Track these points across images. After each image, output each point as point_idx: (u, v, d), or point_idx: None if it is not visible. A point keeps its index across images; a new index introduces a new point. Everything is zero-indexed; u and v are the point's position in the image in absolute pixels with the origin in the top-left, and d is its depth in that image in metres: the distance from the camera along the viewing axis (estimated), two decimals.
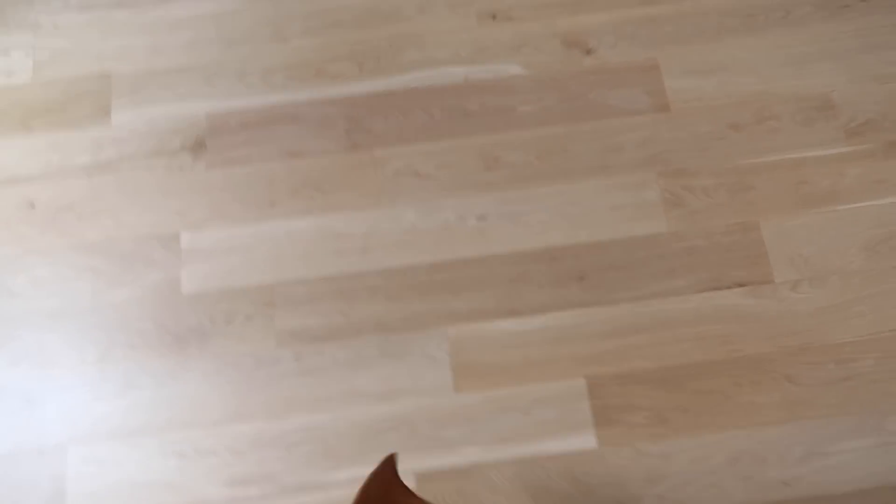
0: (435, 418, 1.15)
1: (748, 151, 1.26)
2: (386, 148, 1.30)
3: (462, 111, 1.32)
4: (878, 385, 1.14)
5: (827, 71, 1.32)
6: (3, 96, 1.35)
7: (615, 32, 1.36)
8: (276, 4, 1.40)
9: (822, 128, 1.28)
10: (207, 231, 1.26)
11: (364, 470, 1.13)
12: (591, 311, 1.19)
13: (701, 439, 1.12)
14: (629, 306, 1.19)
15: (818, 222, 1.22)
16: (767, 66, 1.33)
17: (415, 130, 1.31)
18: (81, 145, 1.32)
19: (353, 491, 1.12)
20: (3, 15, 1.40)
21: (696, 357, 1.16)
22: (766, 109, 1.29)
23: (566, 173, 1.27)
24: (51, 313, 1.22)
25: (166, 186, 1.29)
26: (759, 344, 1.16)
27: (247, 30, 1.39)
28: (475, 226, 1.24)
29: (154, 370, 1.18)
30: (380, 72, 1.35)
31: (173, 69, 1.37)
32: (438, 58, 1.35)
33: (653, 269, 1.20)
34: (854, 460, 1.11)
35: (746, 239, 1.21)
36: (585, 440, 1.13)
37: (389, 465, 0.55)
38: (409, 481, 1.12)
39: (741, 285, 1.19)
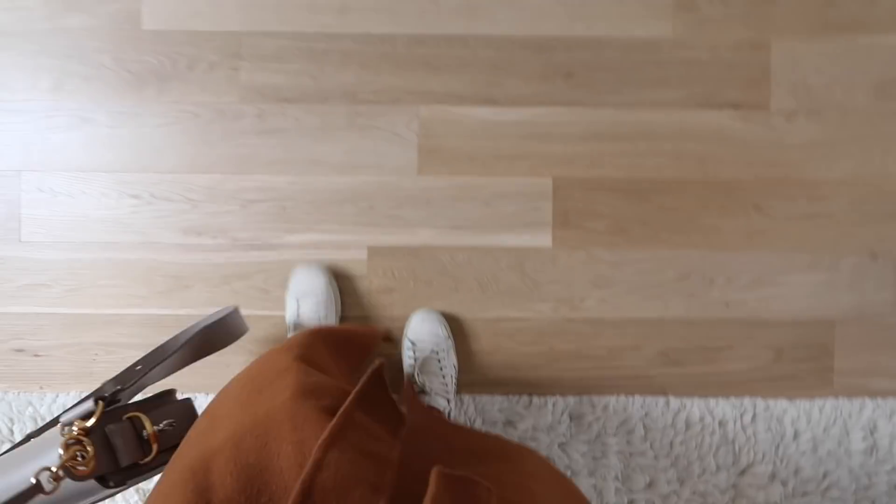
0: (394, 197, 1.13)
1: None
2: None
3: None
4: (844, 227, 1.12)
5: None
6: None
7: None
8: None
9: None
10: None
11: (317, 237, 1.13)
12: (572, 111, 1.12)
13: (655, 253, 1.12)
14: (612, 111, 1.12)
15: (833, 51, 1.12)
16: None
17: None
18: None
19: (304, 255, 1.13)
20: None
21: (668, 173, 1.12)
22: None
23: None
24: (3, 30, 1.13)
25: None
26: (737, 169, 1.12)
27: None
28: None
29: (110, 107, 1.13)
30: None
31: None
32: None
33: (646, 75, 1.12)
34: (798, 293, 1.12)
35: (753, 58, 1.12)
36: (541, 238, 1.12)
37: (379, 376, 0.53)
38: (361, 254, 1.13)
39: (734, 107, 1.12)
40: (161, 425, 0.63)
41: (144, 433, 0.62)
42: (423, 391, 1.01)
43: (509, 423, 1.09)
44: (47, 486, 0.51)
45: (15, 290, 1.12)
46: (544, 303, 1.12)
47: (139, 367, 0.70)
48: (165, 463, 0.58)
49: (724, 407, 1.08)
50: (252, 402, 0.51)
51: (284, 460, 0.45)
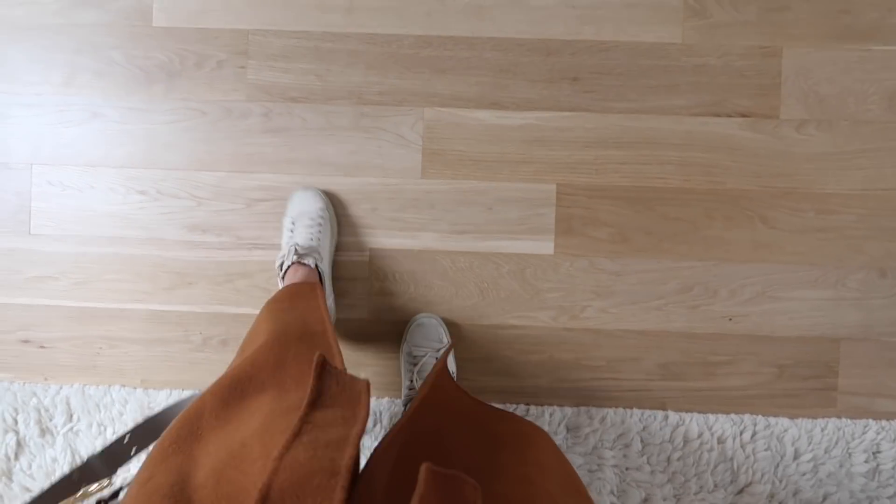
0: (397, 199, 1.13)
1: None
2: None
3: None
4: (853, 241, 1.10)
5: None
6: None
7: None
8: None
9: None
10: None
11: None
12: (578, 117, 1.11)
13: (658, 263, 1.11)
14: (619, 118, 1.11)
15: (847, 60, 1.10)
16: None
17: None
18: None
19: None
20: None
21: (674, 182, 1.11)
22: None
23: None
24: (16, 24, 1.15)
25: None
26: (744, 180, 1.10)
27: None
28: (473, 1, 1.12)
29: (120, 103, 1.14)
30: None
31: None
32: None
33: (654, 81, 1.11)
34: (803, 309, 1.10)
35: (764, 66, 1.10)
36: (543, 245, 1.11)
37: (323, 367, 0.55)
38: (363, 255, 1.13)
39: (743, 115, 1.10)
40: None
41: None
42: None
43: None
44: None
45: (23, 281, 1.14)
46: (544, 311, 1.11)
47: (129, 444, 0.69)
48: None
49: (723, 423, 1.07)
50: (229, 435, 0.54)
51: (257, 477, 0.46)
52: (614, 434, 1.07)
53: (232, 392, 0.60)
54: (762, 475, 1.05)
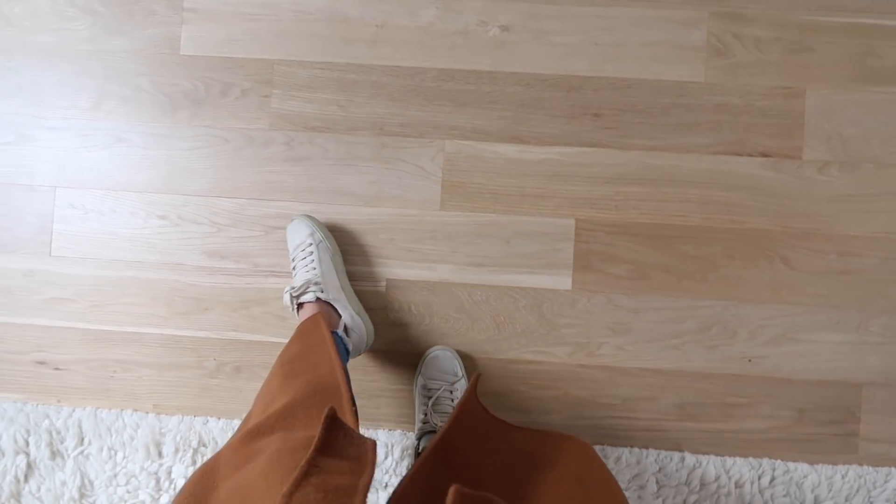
0: (415, 231, 1.13)
1: (818, 6, 1.11)
2: None
3: None
4: (875, 285, 1.08)
5: None
6: None
7: None
8: None
9: None
10: None
11: None
12: (599, 153, 1.11)
13: (676, 302, 1.10)
14: (640, 154, 1.11)
15: (871, 102, 1.09)
16: None
17: None
18: None
19: None
20: None
21: (694, 220, 1.10)
22: None
23: None
24: (47, 51, 1.17)
25: None
26: (765, 220, 1.09)
27: None
28: (496, 36, 1.13)
29: (144, 129, 1.16)
30: None
31: None
32: None
33: (675, 119, 1.11)
34: (824, 352, 1.08)
35: (787, 106, 1.10)
36: (560, 281, 1.11)
37: (333, 420, 0.56)
38: (379, 286, 1.13)
39: (765, 155, 1.10)
40: None
41: None
42: (434, 431, 1.00)
43: None
44: None
45: (41, 302, 1.15)
46: (560, 346, 1.10)
47: None
48: None
49: (741, 467, 1.05)
50: (239, 480, 0.55)
51: None
52: (629, 474, 1.06)
53: (246, 444, 0.60)
54: None
